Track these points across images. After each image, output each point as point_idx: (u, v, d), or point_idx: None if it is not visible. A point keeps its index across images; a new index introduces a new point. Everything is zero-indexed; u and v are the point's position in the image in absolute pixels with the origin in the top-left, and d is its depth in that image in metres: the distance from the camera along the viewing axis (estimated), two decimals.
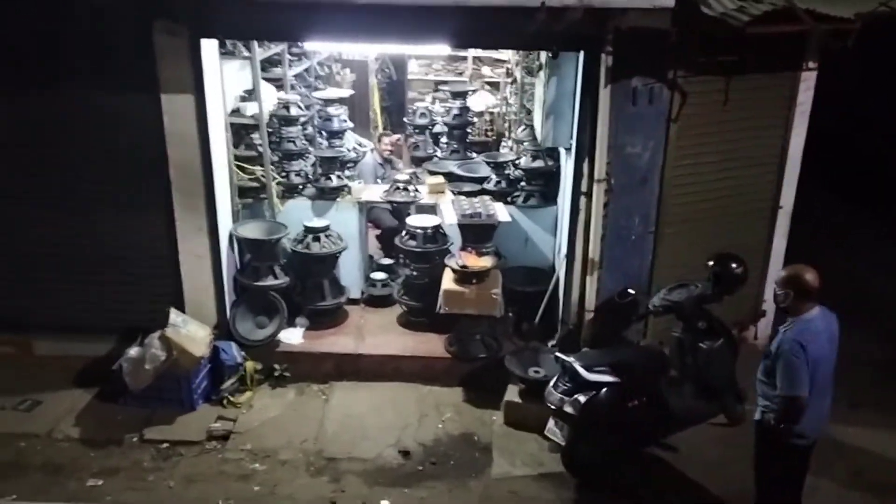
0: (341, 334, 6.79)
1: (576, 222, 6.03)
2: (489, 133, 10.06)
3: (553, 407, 5.19)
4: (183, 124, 5.83)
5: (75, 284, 6.27)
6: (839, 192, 9.75)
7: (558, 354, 5.37)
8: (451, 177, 7.69)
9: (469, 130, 8.77)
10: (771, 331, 4.56)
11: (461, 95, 8.50)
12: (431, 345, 6.59)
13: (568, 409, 5.10)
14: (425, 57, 11.04)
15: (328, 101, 7.65)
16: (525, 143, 7.34)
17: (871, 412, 5.97)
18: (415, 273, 6.86)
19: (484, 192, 7.31)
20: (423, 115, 8.93)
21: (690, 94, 5.64)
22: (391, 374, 6.40)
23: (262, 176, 6.77)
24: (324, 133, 7.61)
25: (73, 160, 5.97)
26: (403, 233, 6.95)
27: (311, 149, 7.46)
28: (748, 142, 6.18)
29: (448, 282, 6.35)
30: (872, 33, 5.04)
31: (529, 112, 7.60)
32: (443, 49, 8.61)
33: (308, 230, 6.71)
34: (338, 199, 7.12)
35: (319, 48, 8.27)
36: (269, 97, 7.01)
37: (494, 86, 10.41)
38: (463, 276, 6.29)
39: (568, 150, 6.35)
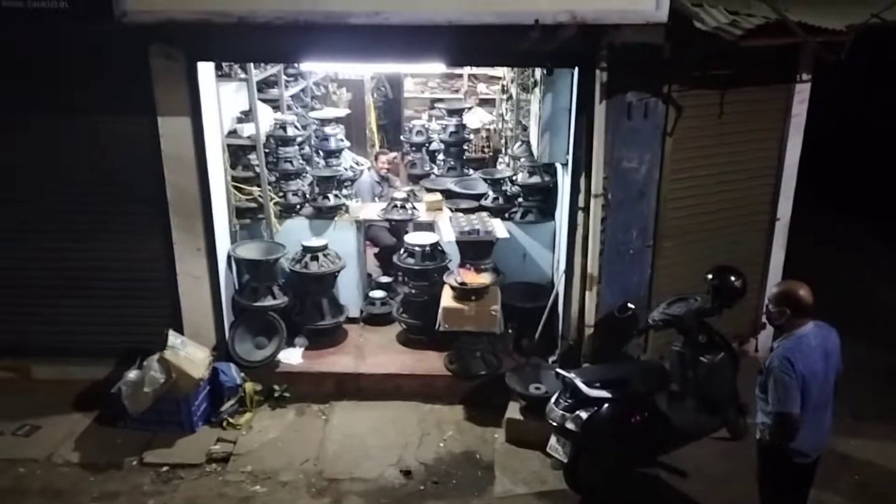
0: (341, 353, 6.76)
1: (574, 237, 6.03)
2: (486, 150, 10.11)
3: (554, 424, 5.17)
4: (180, 147, 5.85)
5: (73, 308, 6.27)
6: (836, 202, 9.78)
7: (559, 370, 5.35)
8: (448, 194, 7.70)
9: (465, 147, 8.80)
10: (771, 343, 4.53)
11: (457, 113, 8.53)
12: (431, 363, 6.57)
13: (569, 425, 5.07)
14: (421, 75, 11.11)
15: (325, 121, 7.69)
16: (521, 160, 7.36)
17: (875, 423, 5.95)
18: (413, 291, 6.85)
19: (481, 208, 7.32)
20: (419, 132, 8.97)
21: (685, 107, 5.66)
22: (391, 392, 6.37)
23: (260, 196, 6.78)
24: (321, 152, 7.63)
25: (71, 184, 5.98)
26: (402, 251, 6.94)
27: (308, 168, 7.49)
28: (744, 154, 6.20)
29: (447, 299, 6.34)
30: (867, 44, 5.07)
31: (525, 128, 7.62)
32: (438, 67, 8.65)
33: (306, 249, 6.71)
34: (335, 218, 7.12)
35: (315, 68, 8.31)
36: (266, 118, 7.04)
37: (490, 102, 10.49)
38: (462, 293, 6.29)
39: (564, 165, 6.37)
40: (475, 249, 6.61)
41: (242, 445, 5.79)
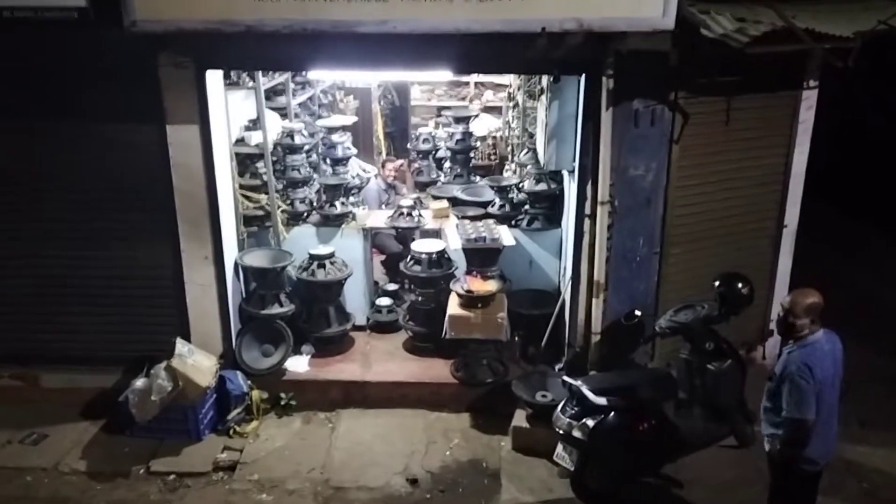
0: (347, 361, 6.77)
1: (580, 245, 6.02)
2: (492, 157, 10.13)
3: (561, 432, 5.15)
4: (188, 155, 5.87)
5: (81, 316, 6.29)
6: (844, 207, 9.75)
7: (566, 378, 5.34)
8: (454, 201, 7.71)
9: (472, 155, 8.81)
10: (779, 350, 4.51)
11: (464, 120, 8.55)
12: (438, 370, 6.56)
13: (576, 433, 5.06)
14: (428, 83, 11.15)
15: (332, 129, 7.72)
16: (528, 167, 7.37)
17: (881, 429, 5.92)
18: (420, 298, 6.85)
19: (488, 215, 7.32)
20: (426, 140, 8.98)
21: (692, 114, 5.66)
22: (398, 400, 6.37)
23: (267, 204, 6.80)
24: (328, 160, 7.66)
25: (79, 192, 6.01)
26: (408, 258, 6.95)
27: (315, 176, 7.50)
28: (751, 161, 6.19)
29: (454, 306, 6.34)
30: (875, 49, 5.06)
31: (532, 135, 7.64)
32: (445, 75, 8.67)
33: (313, 257, 6.72)
34: (342, 226, 7.13)
35: (323, 77, 8.35)
36: (274, 126, 7.08)
37: (496, 110, 10.51)
38: (468, 300, 6.28)
39: (571, 172, 6.37)
40: (481, 257, 6.61)
41: (249, 454, 5.79)
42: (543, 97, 6.67)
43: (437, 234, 7.24)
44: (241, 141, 6.77)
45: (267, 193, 6.78)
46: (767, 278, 6.57)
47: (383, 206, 8.04)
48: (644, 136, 5.66)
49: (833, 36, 4.87)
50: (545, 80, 6.57)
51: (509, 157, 9.12)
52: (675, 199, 5.91)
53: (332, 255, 6.77)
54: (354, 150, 7.85)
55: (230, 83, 6.50)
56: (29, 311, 6.32)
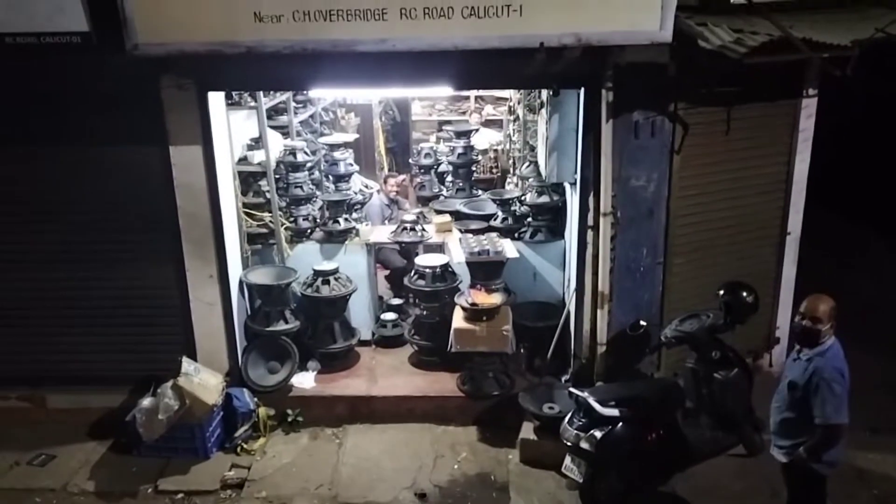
0: (353, 376, 6.77)
1: (584, 256, 6.04)
2: (494, 170, 10.16)
3: (569, 443, 5.14)
4: (191, 175, 5.92)
5: (87, 337, 6.32)
6: (847, 214, 9.74)
7: (572, 389, 5.33)
8: (457, 215, 7.73)
9: (474, 168, 8.84)
10: (789, 359, 4.51)
11: (465, 134, 8.59)
12: (444, 384, 6.56)
13: (584, 445, 5.05)
14: (428, 98, 11.20)
15: (334, 146, 7.75)
16: (530, 180, 7.39)
17: (892, 436, 5.88)
18: (425, 312, 6.86)
19: (491, 229, 7.34)
20: (427, 155, 9.02)
21: (692, 125, 5.69)
22: (405, 415, 6.36)
23: (271, 222, 6.84)
24: (330, 177, 7.69)
25: (84, 213, 6.05)
26: (412, 273, 6.97)
27: (318, 193, 7.55)
28: (753, 170, 6.21)
29: (458, 320, 6.35)
30: (874, 57, 5.09)
31: (533, 149, 7.66)
32: (445, 91, 8.72)
33: (317, 273, 6.74)
34: (346, 242, 7.16)
35: (324, 95, 8.40)
36: (276, 144, 7.12)
37: (497, 123, 10.55)
38: (473, 313, 6.29)
39: (573, 184, 6.39)
40: (485, 270, 6.62)
41: (257, 471, 5.79)
42: (544, 110, 6.71)
43: (440, 248, 7.26)
44: (243, 160, 6.81)
45: (270, 211, 6.83)
46: (772, 286, 6.58)
47: (386, 222, 8.07)
48: (645, 147, 5.68)
49: (831, 45, 4.90)
50: (545, 93, 6.60)
51: (511, 170, 9.15)
52: (678, 209, 5.93)
53: (336, 271, 6.79)
54: (356, 167, 7.89)
55: (232, 103, 6.56)
56: (35, 333, 6.35)
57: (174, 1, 5.15)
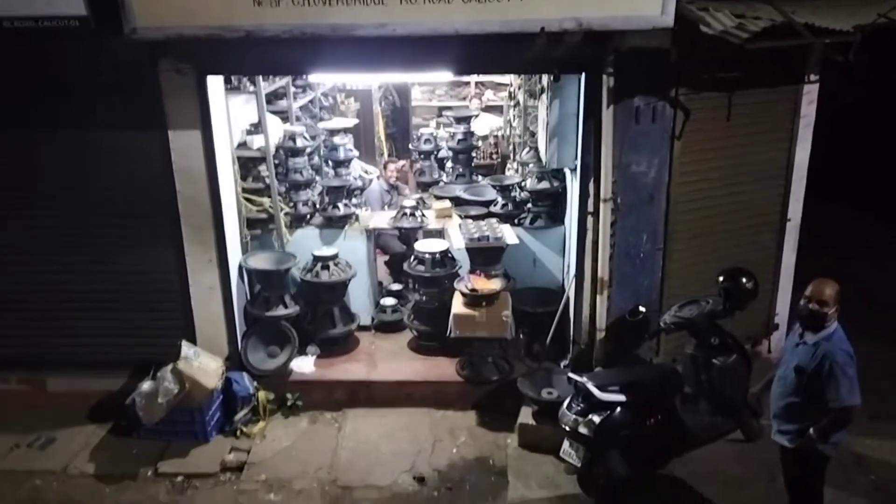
0: (353, 361, 6.79)
1: (584, 242, 6.04)
2: (494, 156, 10.13)
3: (567, 428, 5.16)
4: (191, 160, 5.90)
5: (87, 321, 6.33)
6: (848, 200, 9.73)
7: (571, 375, 5.35)
8: (457, 201, 7.72)
9: (474, 154, 8.82)
10: (789, 344, 4.52)
11: (465, 120, 8.56)
12: (443, 369, 6.58)
13: (582, 429, 5.07)
14: (428, 83, 11.15)
15: (333, 131, 7.73)
16: (530, 165, 7.38)
17: (891, 423, 5.90)
18: (424, 298, 6.87)
19: (491, 214, 7.34)
20: (427, 140, 9.00)
21: (693, 110, 5.66)
22: (404, 399, 6.39)
23: (270, 207, 6.83)
24: (330, 162, 7.67)
25: (83, 198, 6.05)
26: (412, 258, 6.97)
27: (317, 178, 7.53)
28: (753, 156, 6.19)
29: (458, 305, 6.35)
30: (876, 42, 5.06)
31: (533, 134, 7.64)
32: (445, 76, 8.69)
33: (317, 259, 6.74)
34: (346, 227, 7.16)
35: (323, 80, 8.36)
36: (275, 129, 7.09)
37: (497, 109, 10.52)
38: (473, 299, 6.30)
39: (573, 170, 6.38)
40: (485, 256, 6.63)
41: (256, 454, 5.82)
42: (544, 96, 6.68)
43: (440, 233, 7.26)
44: (243, 145, 6.79)
45: (270, 196, 6.81)
46: (771, 272, 6.58)
47: (386, 207, 8.06)
48: (645, 132, 5.67)
49: (833, 30, 4.87)
50: (546, 78, 6.57)
51: (511, 155, 9.13)
52: (678, 195, 5.92)
53: (335, 257, 6.79)
54: (356, 152, 7.87)
55: (231, 88, 6.53)
56: (35, 317, 6.36)
57: None
